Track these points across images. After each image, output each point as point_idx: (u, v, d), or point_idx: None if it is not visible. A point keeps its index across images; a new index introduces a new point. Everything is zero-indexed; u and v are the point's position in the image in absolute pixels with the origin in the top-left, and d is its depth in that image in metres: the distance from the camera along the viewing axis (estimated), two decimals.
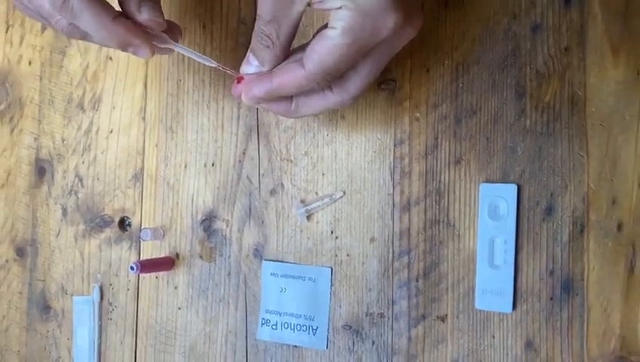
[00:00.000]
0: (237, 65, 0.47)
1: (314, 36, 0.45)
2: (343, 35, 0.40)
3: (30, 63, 0.68)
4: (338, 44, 0.40)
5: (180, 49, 0.50)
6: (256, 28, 0.43)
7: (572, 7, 0.48)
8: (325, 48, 0.41)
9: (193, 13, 0.61)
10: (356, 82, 0.44)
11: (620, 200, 0.47)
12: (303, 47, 0.45)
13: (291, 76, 0.43)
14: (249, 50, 0.45)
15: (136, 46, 0.47)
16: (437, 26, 0.52)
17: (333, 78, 0.43)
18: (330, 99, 0.45)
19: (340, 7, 0.40)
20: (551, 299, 0.48)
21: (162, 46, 0.49)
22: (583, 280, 0.48)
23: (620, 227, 0.47)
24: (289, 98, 0.46)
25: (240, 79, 0.46)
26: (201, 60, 0.50)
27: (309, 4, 0.42)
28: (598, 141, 0.48)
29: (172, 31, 0.51)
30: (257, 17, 0.43)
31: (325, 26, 0.41)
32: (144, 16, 0.46)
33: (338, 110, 0.55)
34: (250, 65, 0.45)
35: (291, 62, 0.44)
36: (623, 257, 0.47)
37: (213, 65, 0.50)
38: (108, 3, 0.46)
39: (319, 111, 0.46)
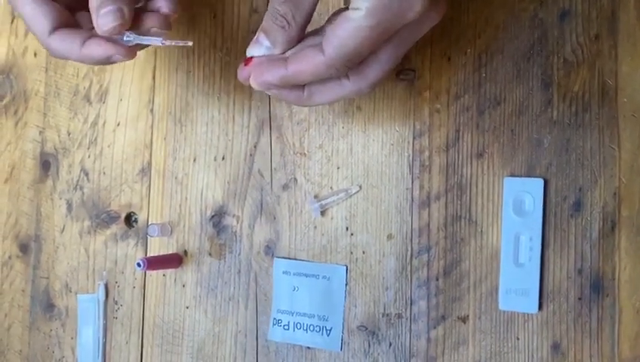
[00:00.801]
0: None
1: (330, 19, 0.43)
2: (367, 16, 0.38)
3: (35, 55, 0.67)
4: (361, 26, 0.38)
5: (140, 39, 0.48)
6: (270, 7, 0.41)
7: None
8: (347, 31, 0.38)
9: (203, 2, 0.59)
10: (375, 69, 0.42)
11: None
12: (316, 32, 0.43)
13: (309, 63, 0.41)
14: (259, 30, 0.42)
15: (113, 58, 0.47)
16: (459, 13, 0.50)
17: (353, 64, 0.40)
18: (347, 87, 0.43)
19: None
20: (579, 299, 0.46)
21: (132, 45, 0.48)
22: (614, 279, 0.46)
23: None
24: (302, 86, 0.43)
25: (248, 61, 0.43)
26: (156, 43, 0.48)
27: None
28: (630, 133, 0.46)
29: (156, 22, 0.49)
30: None
31: (345, 8, 0.39)
32: (100, 26, 0.46)
33: (354, 101, 0.53)
34: (260, 46, 0.43)
35: (308, 46, 0.42)
36: None
37: (172, 44, 0.48)
38: (77, 30, 0.48)
39: (334, 100, 0.44)
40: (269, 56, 0.43)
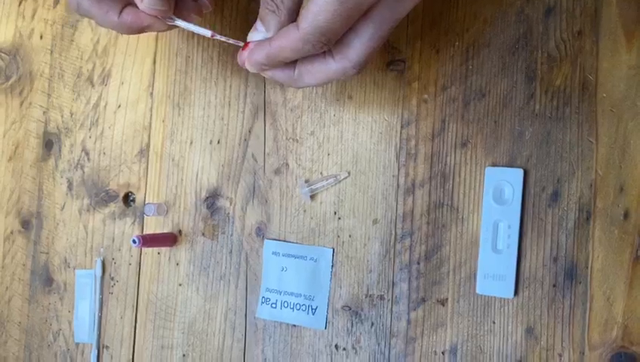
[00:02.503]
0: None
1: None
2: None
3: (41, 37, 0.68)
4: (330, 1, 0.40)
5: (186, 25, 0.49)
6: None
7: None
8: (318, 6, 0.40)
9: None
10: (357, 47, 0.43)
11: (628, 187, 0.46)
12: None
13: (287, 38, 0.42)
14: (258, 18, 0.45)
15: (147, 28, 0.49)
16: (448, 7, 0.51)
17: (328, 39, 0.42)
18: (332, 66, 0.44)
19: None
20: (554, 286, 0.48)
21: (170, 24, 0.49)
22: (587, 268, 0.47)
23: (626, 215, 0.46)
24: (292, 65, 0.45)
25: (245, 46, 0.46)
26: (205, 34, 0.49)
27: None
28: (608, 127, 0.47)
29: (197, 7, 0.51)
30: None
31: None
32: (144, 5, 0.48)
33: (346, 89, 0.55)
34: (257, 32, 0.45)
35: (289, 25, 0.44)
36: (628, 246, 0.46)
37: (222, 39, 0.49)
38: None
39: (322, 80, 0.45)
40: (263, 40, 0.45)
